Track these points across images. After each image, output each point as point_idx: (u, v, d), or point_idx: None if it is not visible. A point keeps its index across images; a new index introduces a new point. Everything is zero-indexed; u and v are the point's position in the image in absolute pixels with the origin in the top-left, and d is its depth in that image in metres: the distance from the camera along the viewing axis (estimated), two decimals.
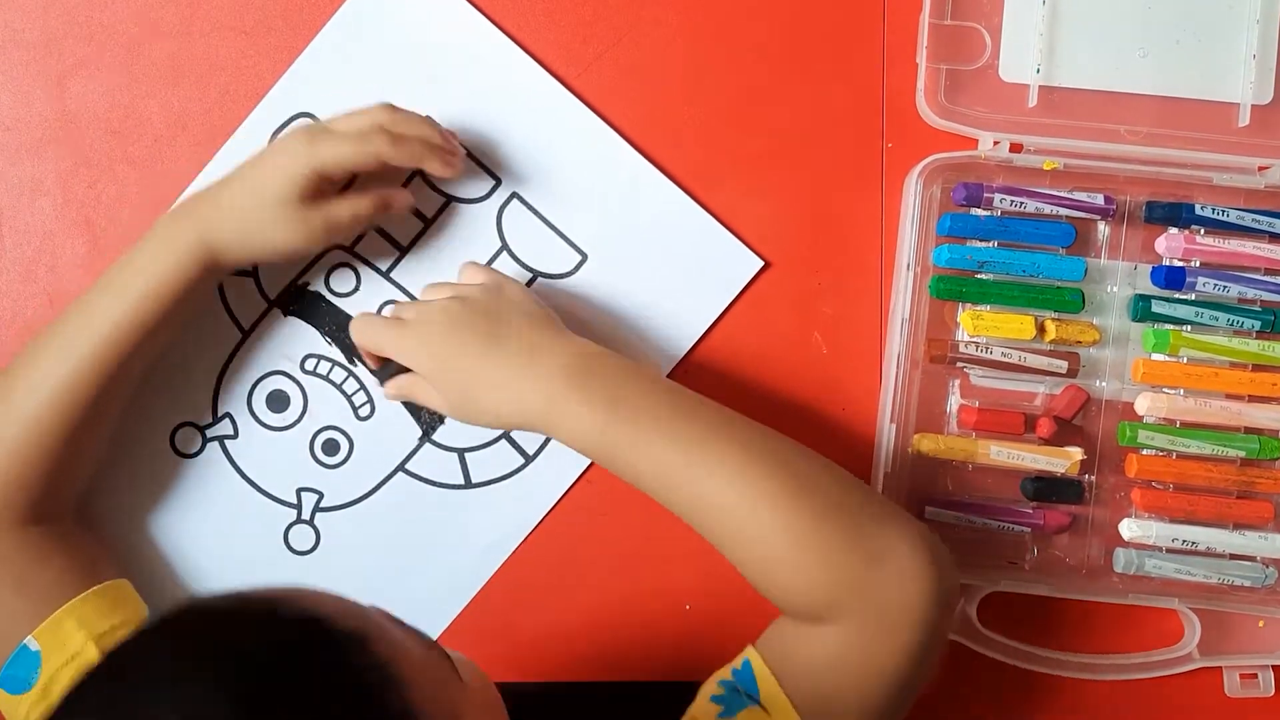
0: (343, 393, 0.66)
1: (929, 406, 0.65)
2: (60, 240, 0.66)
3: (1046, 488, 0.64)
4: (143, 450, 0.65)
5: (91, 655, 0.56)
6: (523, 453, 0.66)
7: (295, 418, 0.66)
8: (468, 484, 0.66)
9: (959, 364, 0.64)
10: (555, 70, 0.66)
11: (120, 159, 0.66)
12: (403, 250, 0.66)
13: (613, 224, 0.66)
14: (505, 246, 0.66)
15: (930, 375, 0.65)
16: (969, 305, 0.64)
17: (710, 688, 0.53)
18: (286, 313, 0.66)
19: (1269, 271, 0.64)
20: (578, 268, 0.66)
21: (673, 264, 0.66)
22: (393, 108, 0.61)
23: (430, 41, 0.66)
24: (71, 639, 0.56)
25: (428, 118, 0.62)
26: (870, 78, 0.67)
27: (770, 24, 0.66)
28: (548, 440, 0.66)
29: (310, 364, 0.66)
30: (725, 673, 0.54)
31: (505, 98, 0.66)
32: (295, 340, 0.66)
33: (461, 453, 0.66)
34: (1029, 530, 0.64)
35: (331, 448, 0.66)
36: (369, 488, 0.66)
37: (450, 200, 0.66)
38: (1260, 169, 0.64)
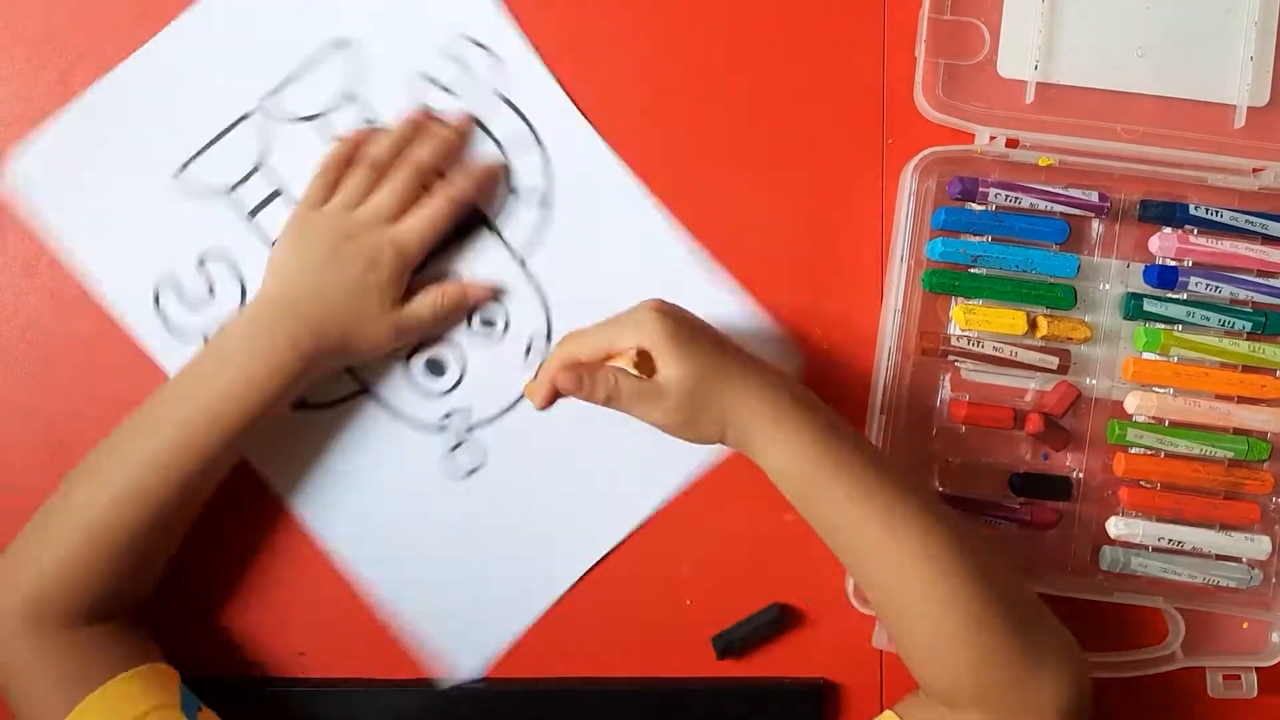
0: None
1: (919, 399, 0.65)
2: None
3: (1034, 484, 0.64)
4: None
5: None
6: None
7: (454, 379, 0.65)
8: None
9: (950, 357, 0.64)
10: (554, 70, 0.66)
11: None
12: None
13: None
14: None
15: (921, 368, 0.65)
16: (961, 299, 0.64)
17: None
18: None
19: (1261, 273, 0.64)
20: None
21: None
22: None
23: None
24: None
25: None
26: (870, 71, 0.67)
27: (771, 16, 0.66)
28: None
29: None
30: None
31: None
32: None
33: None
34: (1015, 526, 0.64)
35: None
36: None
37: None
38: (1255, 170, 0.64)
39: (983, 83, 0.65)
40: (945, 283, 0.64)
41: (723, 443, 0.56)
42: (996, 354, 0.64)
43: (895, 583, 0.54)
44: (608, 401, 0.55)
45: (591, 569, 0.65)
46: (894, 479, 0.55)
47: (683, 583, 0.66)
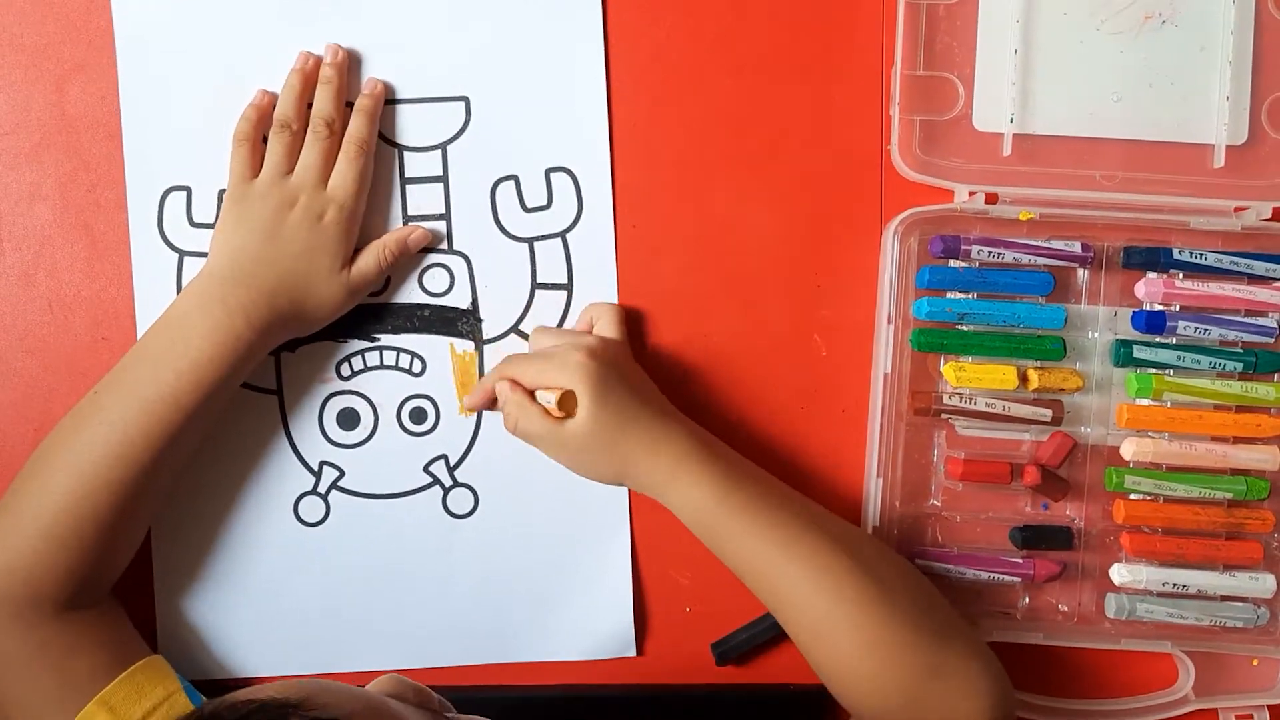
0: (402, 370, 0.66)
1: (916, 459, 0.65)
2: (59, 245, 0.66)
3: (1036, 536, 0.64)
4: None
5: None
6: (562, 287, 0.66)
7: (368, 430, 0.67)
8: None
9: (944, 415, 0.64)
10: None
11: (119, 163, 0.65)
12: None
13: (468, 55, 0.66)
14: (400, 148, 0.66)
15: (915, 428, 0.65)
16: (951, 357, 0.64)
17: None
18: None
19: (1249, 313, 0.64)
20: (469, 113, 0.66)
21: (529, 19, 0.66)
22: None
23: None
24: None
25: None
26: (870, 83, 0.67)
27: (772, 30, 0.66)
28: None
29: (345, 370, 0.66)
30: None
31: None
32: (316, 361, 0.66)
33: (515, 327, 0.66)
34: (1019, 580, 0.64)
35: (419, 416, 0.66)
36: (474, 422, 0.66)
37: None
38: (1236, 210, 0.64)
39: (959, 137, 0.65)
40: (934, 341, 0.64)
41: (623, 485, 0.62)
42: (990, 410, 0.64)
43: (798, 610, 0.57)
44: (513, 430, 0.61)
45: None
46: (795, 514, 0.58)
47: (683, 590, 0.66)
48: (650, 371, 0.65)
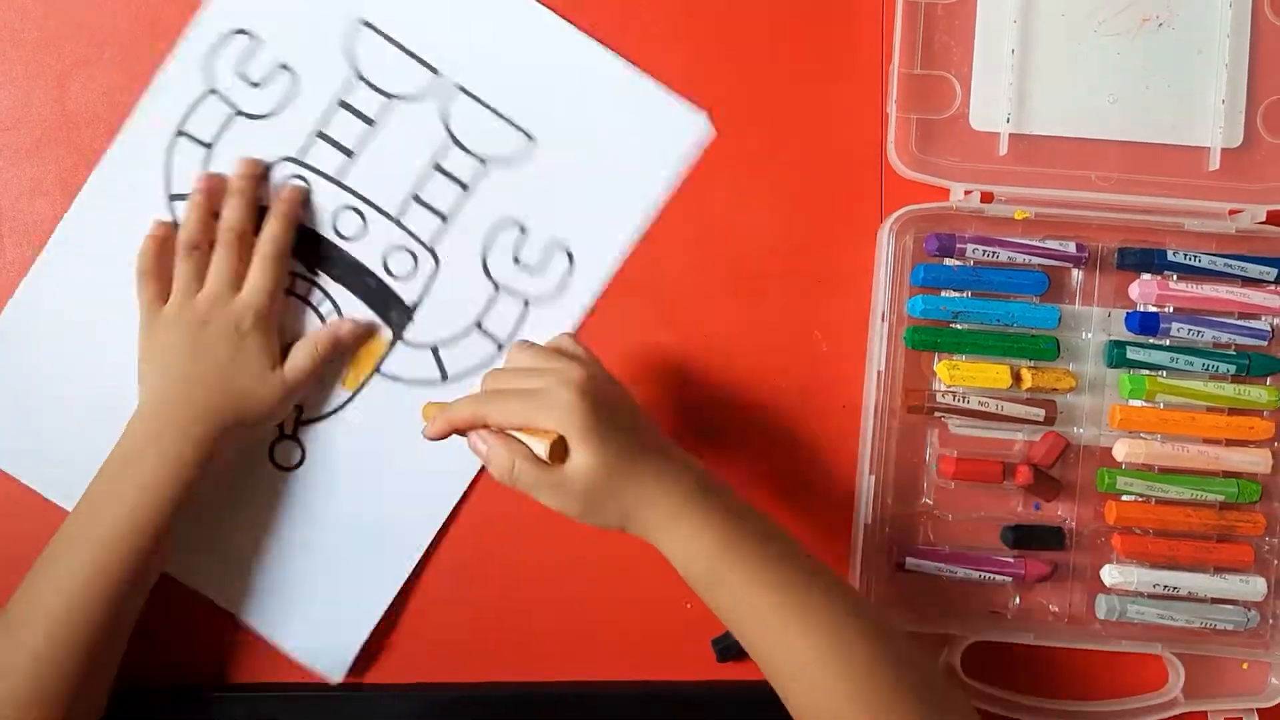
0: (312, 307, 0.66)
1: (908, 456, 0.65)
2: None
3: (1027, 536, 0.64)
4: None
5: None
6: (495, 341, 0.66)
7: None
8: (444, 378, 0.66)
9: (937, 414, 0.64)
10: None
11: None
12: (350, 154, 0.66)
13: (558, 103, 0.66)
14: (453, 138, 0.66)
15: (908, 425, 0.65)
16: (945, 355, 0.64)
17: None
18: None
19: (1243, 315, 0.64)
20: (526, 151, 0.66)
21: (621, 137, 0.66)
22: None
23: None
24: None
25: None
26: (870, 81, 0.67)
27: (771, 28, 0.67)
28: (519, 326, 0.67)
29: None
30: None
31: None
32: None
33: (435, 348, 0.66)
34: (1011, 579, 0.64)
35: None
36: (347, 396, 0.66)
37: (392, 99, 0.66)
38: (1231, 213, 0.64)
39: (955, 136, 0.65)
40: (927, 339, 0.64)
41: (621, 529, 0.55)
42: (983, 409, 0.64)
43: (797, 677, 0.52)
44: (510, 481, 0.54)
45: (577, 577, 0.66)
46: (796, 569, 0.53)
47: (683, 586, 0.65)
48: (651, 370, 0.65)
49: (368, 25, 0.66)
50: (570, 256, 0.66)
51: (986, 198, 0.64)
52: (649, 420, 0.57)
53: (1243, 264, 0.64)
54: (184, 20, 0.65)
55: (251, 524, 0.66)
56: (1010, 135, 0.65)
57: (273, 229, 0.64)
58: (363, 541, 0.66)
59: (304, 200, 0.65)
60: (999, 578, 0.64)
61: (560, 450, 0.53)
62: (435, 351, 0.66)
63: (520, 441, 0.54)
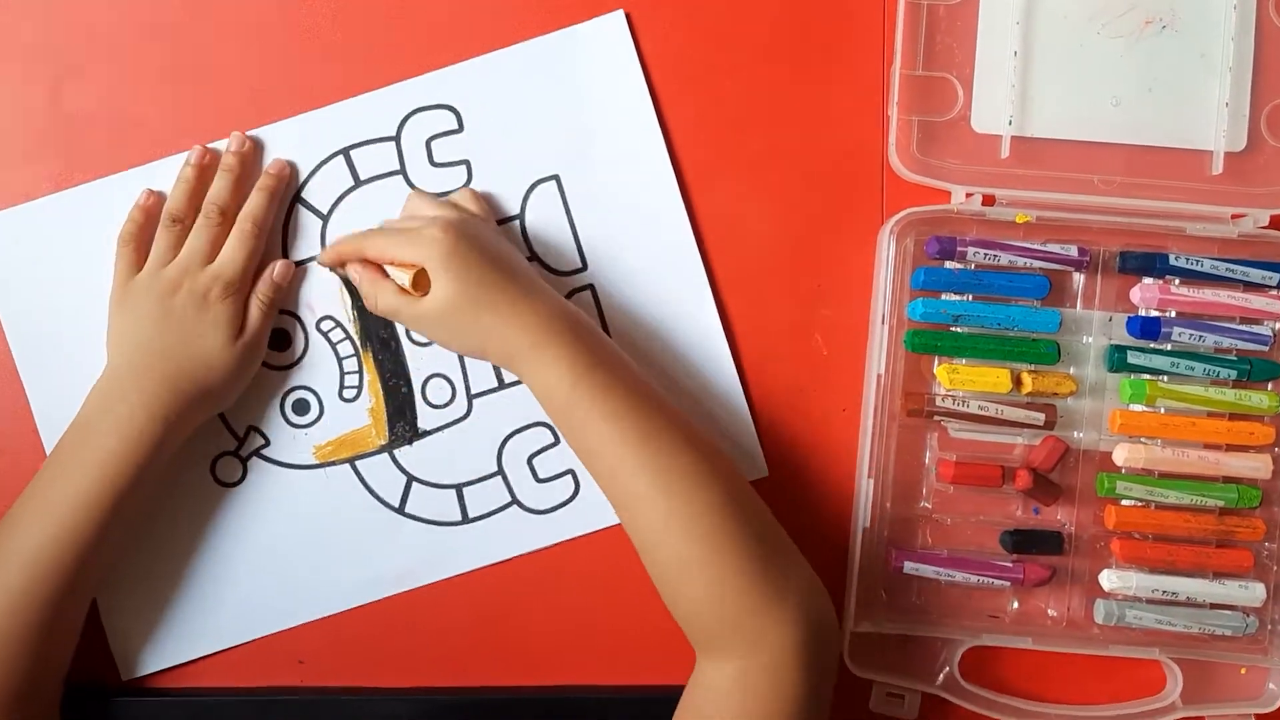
0: (339, 364, 0.66)
1: (907, 460, 0.65)
2: None
3: (1026, 540, 0.64)
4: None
5: None
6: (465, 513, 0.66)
7: (287, 363, 0.66)
8: (401, 510, 0.66)
9: (936, 417, 0.64)
10: None
11: (117, 163, 0.65)
12: None
13: (616, 233, 0.66)
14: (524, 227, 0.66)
15: (908, 429, 0.64)
16: (945, 359, 0.64)
17: None
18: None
19: (1244, 320, 0.64)
20: (575, 272, 0.66)
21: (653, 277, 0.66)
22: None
23: None
24: None
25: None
26: (871, 83, 0.66)
27: (772, 29, 0.66)
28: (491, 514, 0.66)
29: (326, 325, 0.66)
30: None
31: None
32: (321, 292, 0.66)
33: (413, 478, 0.66)
34: (1009, 584, 0.64)
35: (301, 407, 0.66)
36: (312, 462, 0.66)
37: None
38: (1234, 217, 0.64)
39: (957, 139, 0.65)
40: (927, 343, 0.64)
41: (486, 359, 0.60)
42: (982, 413, 0.64)
43: (643, 507, 0.55)
44: (373, 309, 0.60)
45: (573, 578, 0.66)
46: (654, 407, 0.56)
47: None
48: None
49: None
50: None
51: (988, 200, 0.64)
52: (526, 265, 0.61)
53: (1245, 269, 0.63)
54: (180, 21, 0.65)
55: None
56: (1012, 138, 0.65)
57: (254, 203, 0.63)
58: (255, 574, 0.65)
59: (290, 176, 0.65)
60: (997, 582, 0.64)
61: (424, 281, 0.58)
62: (407, 485, 0.66)
63: (385, 278, 0.59)
